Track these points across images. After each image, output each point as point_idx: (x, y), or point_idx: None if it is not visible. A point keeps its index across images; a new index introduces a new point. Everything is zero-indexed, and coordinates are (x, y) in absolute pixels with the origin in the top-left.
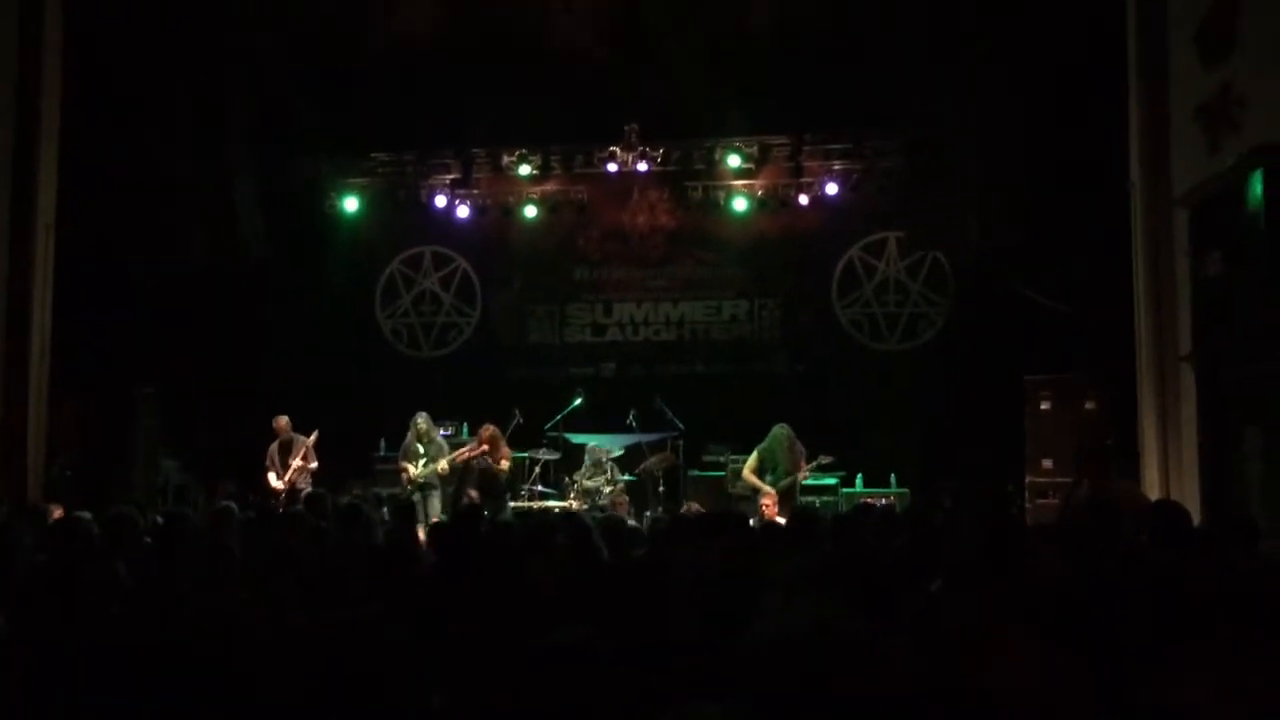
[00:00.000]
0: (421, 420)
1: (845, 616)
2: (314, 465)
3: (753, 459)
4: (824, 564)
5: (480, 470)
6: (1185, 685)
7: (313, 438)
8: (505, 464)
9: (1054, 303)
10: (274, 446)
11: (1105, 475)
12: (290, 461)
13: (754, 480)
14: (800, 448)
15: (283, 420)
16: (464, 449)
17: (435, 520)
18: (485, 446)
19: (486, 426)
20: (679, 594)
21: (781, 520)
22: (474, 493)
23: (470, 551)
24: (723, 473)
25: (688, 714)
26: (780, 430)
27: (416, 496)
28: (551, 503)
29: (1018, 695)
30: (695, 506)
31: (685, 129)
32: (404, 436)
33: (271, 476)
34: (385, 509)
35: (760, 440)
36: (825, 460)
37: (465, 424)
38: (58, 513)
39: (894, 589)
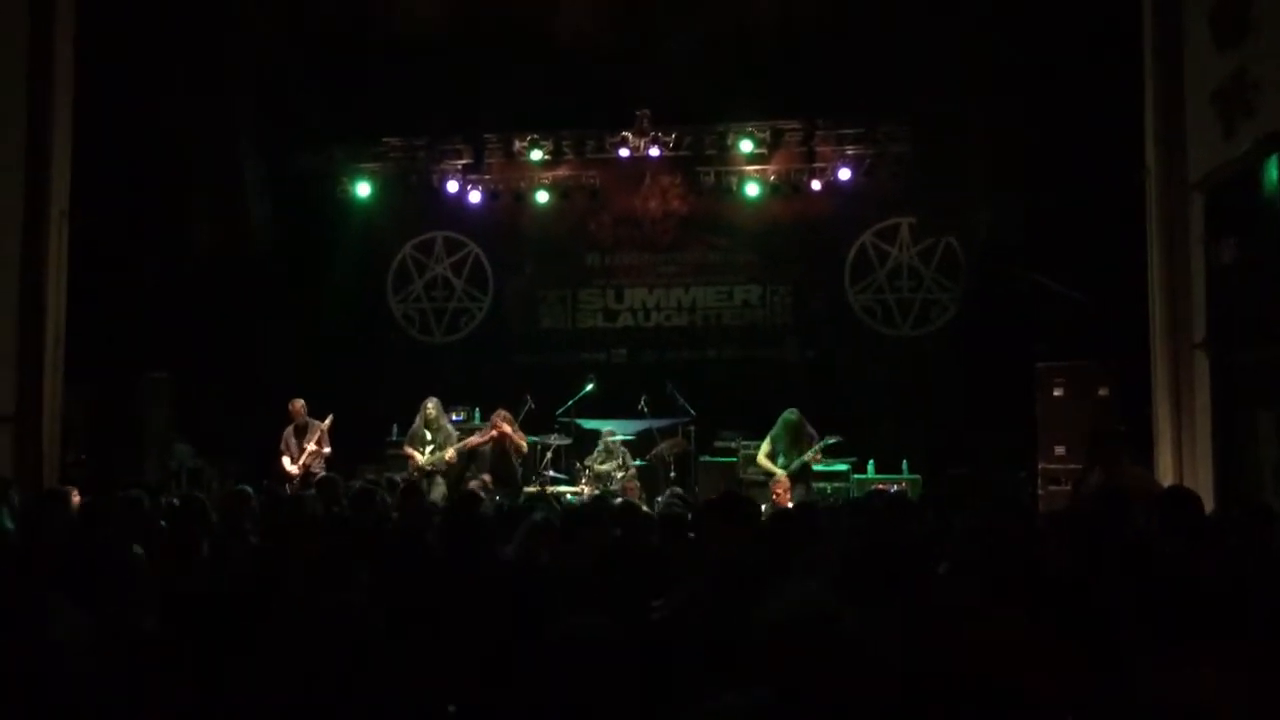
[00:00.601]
0: (432, 406)
1: (836, 605)
2: (327, 450)
3: (765, 445)
4: (837, 553)
5: (493, 455)
6: (1188, 680)
7: (327, 422)
8: (523, 443)
9: (1067, 289)
10: (289, 430)
11: (1117, 462)
12: (305, 445)
13: (767, 465)
14: (810, 431)
15: (299, 404)
16: (474, 436)
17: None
18: (495, 432)
19: (499, 411)
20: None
21: (790, 504)
22: (486, 478)
23: (467, 536)
24: (734, 458)
25: (714, 705)
26: (789, 415)
27: (423, 484)
28: (563, 488)
29: (1014, 683)
30: (678, 491)
31: (697, 114)
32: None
33: (285, 460)
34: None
35: (772, 426)
36: (833, 440)
37: (477, 410)
38: (75, 497)
39: (905, 576)
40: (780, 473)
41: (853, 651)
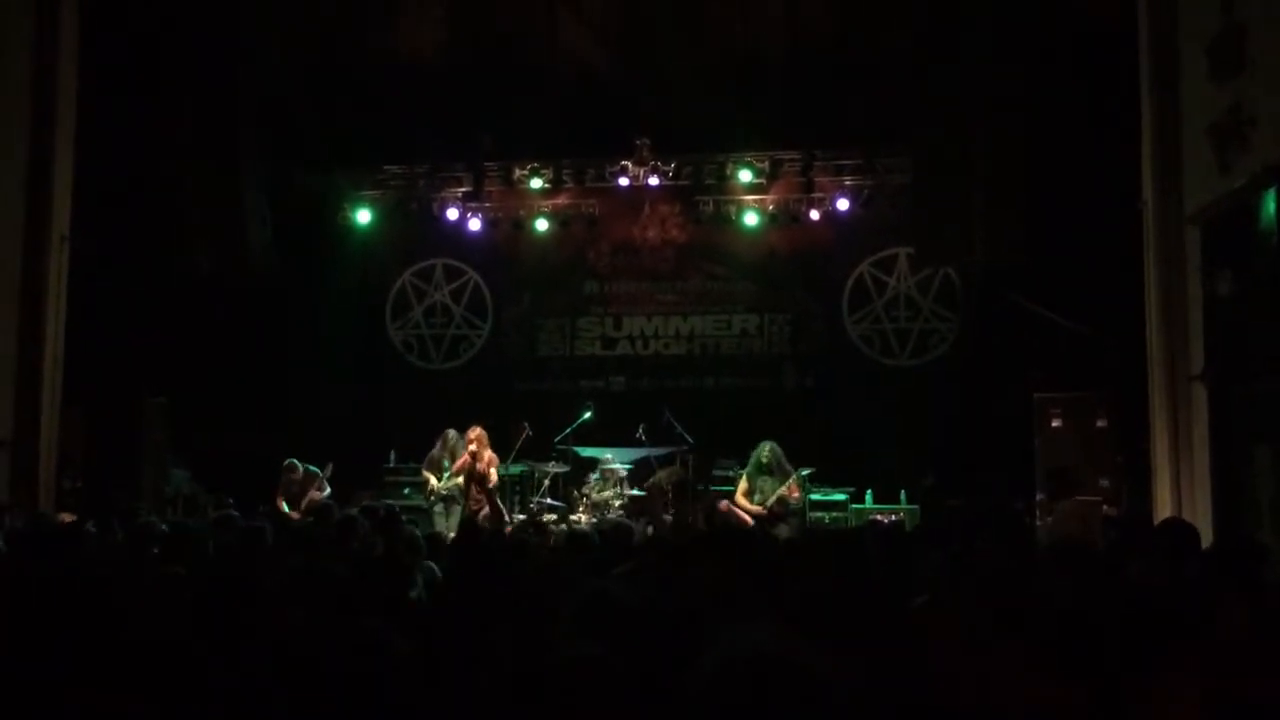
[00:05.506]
0: (452, 435)
1: (792, 642)
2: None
3: (742, 483)
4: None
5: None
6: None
7: (328, 470)
8: (494, 472)
9: (1066, 320)
10: (288, 479)
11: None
12: (307, 493)
13: (745, 503)
14: (786, 465)
15: (296, 474)
16: (460, 462)
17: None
18: (473, 446)
19: (473, 428)
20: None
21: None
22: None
23: (475, 565)
24: (732, 487)
25: (734, 641)
26: (762, 449)
27: (439, 508)
28: (557, 515)
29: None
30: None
31: (696, 144)
32: (417, 447)
33: (283, 504)
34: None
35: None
36: (807, 472)
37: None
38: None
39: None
40: (759, 509)
41: (818, 696)
